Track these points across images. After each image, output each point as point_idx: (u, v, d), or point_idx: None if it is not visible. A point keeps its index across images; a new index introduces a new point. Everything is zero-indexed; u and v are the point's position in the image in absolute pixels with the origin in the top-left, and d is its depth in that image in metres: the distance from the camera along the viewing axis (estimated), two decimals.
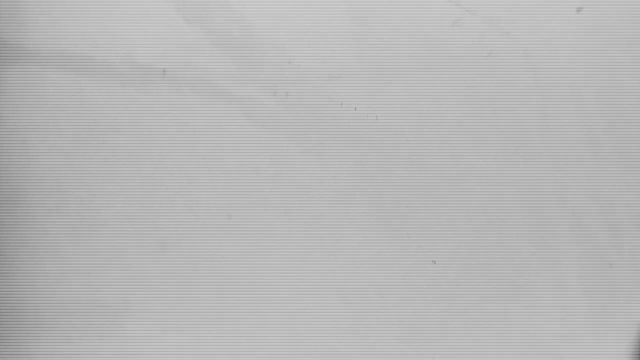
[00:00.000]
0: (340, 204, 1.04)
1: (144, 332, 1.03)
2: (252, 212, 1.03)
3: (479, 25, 1.05)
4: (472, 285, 1.05)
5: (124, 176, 1.02)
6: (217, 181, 1.03)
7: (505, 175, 1.05)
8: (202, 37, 1.03)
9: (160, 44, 1.02)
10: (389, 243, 1.04)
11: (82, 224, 1.02)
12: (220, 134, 1.03)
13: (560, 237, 1.06)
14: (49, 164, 1.02)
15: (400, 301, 1.05)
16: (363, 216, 1.04)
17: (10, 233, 1.02)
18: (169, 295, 1.03)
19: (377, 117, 1.04)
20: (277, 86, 1.03)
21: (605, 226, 1.06)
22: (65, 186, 1.02)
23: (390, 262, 1.04)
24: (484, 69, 1.05)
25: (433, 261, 1.04)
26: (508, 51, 1.05)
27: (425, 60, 1.04)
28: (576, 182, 1.06)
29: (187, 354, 1.03)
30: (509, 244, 1.05)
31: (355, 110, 1.04)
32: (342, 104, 1.04)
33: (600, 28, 1.06)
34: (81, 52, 1.02)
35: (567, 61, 1.05)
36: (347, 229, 1.04)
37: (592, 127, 1.06)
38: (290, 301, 1.04)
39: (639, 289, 1.06)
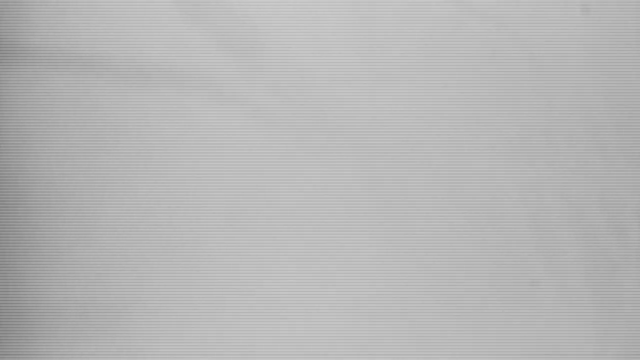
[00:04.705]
0: (343, 205, 1.04)
1: (146, 332, 1.02)
2: (255, 213, 1.03)
3: (482, 26, 1.05)
4: (475, 287, 1.04)
5: (126, 177, 1.02)
6: (219, 182, 1.03)
7: (509, 177, 1.05)
8: (207, 38, 1.03)
9: (165, 45, 1.03)
10: (391, 244, 1.04)
11: (85, 225, 1.02)
12: (224, 135, 1.03)
13: (565, 238, 1.05)
14: (52, 164, 1.02)
15: (403, 301, 1.04)
16: (365, 217, 1.04)
17: (13, 234, 1.02)
18: (172, 296, 1.03)
19: (380, 118, 1.04)
20: (281, 87, 1.03)
21: (611, 227, 1.05)
22: (68, 187, 1.02)
23: (392, 262, 1.04)
24: (488, 70, 1.04)
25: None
26: (512, 52, 1.05)
27: (428, 61, 1.04)
28: (581, 183, 1.05)
29: (190, 354, 1.03)
30: (513, 245, 1.05)
31: (359, 111, 1.04)
32: (345, 106, 1.04)
33: (605, 28, 1.05)
34: (86, 53, 1.02)
35: (573, 62, 1.05)
36: (349, 230, 1.04)
37: (597, 128, 1.05)
38: (292, 301, 1.03)
39: None
